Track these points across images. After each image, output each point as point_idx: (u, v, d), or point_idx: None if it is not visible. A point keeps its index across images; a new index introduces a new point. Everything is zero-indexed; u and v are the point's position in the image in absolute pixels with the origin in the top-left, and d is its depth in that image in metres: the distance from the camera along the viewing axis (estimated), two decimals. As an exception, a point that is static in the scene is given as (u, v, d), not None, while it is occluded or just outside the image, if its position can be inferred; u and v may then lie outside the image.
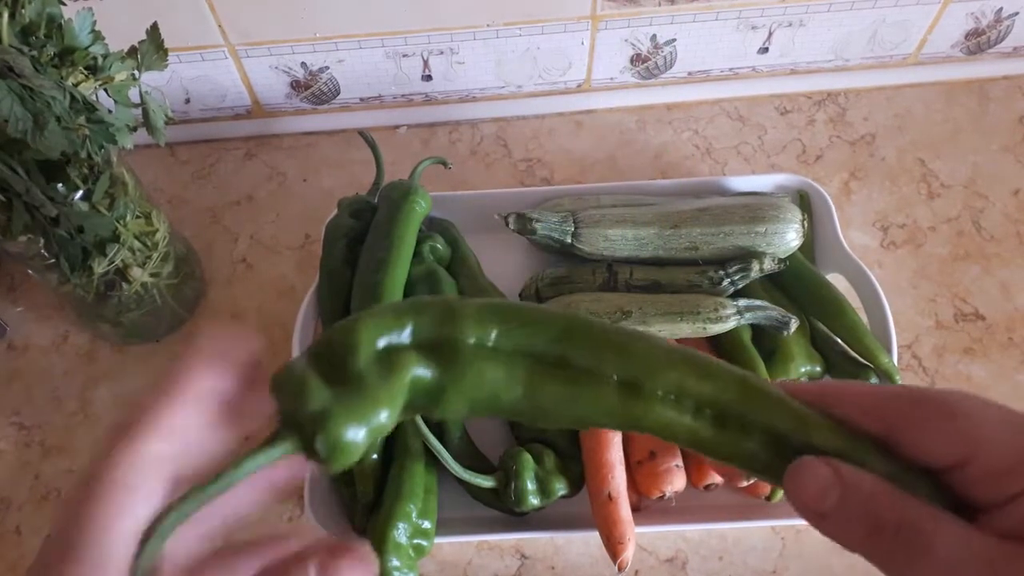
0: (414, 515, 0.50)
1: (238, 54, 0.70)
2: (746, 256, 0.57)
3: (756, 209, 0.58)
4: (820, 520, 0.22)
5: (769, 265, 0.57)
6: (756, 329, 0.58)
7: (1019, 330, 0.63)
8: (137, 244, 0.57)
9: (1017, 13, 0.72)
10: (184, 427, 0.24)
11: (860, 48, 0.75)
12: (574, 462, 0.53)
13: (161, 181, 0.75)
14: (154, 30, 0.50)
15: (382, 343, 0.22)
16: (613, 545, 0.49)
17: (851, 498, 0.21)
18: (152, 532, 0.21)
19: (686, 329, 0.55)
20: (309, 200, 0.73)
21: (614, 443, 0.52)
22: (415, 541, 0.49)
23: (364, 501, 0.51)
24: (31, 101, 0.43)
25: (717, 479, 0.53)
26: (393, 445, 0.53)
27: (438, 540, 0.51)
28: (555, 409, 0.24)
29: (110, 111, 0.49)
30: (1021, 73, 0.77)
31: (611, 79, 0.76)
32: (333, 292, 0.59)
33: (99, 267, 0.55)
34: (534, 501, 0.51)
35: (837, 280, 0.61)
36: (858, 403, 0.23)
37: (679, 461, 0.52)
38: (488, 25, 0.69)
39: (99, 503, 0.22)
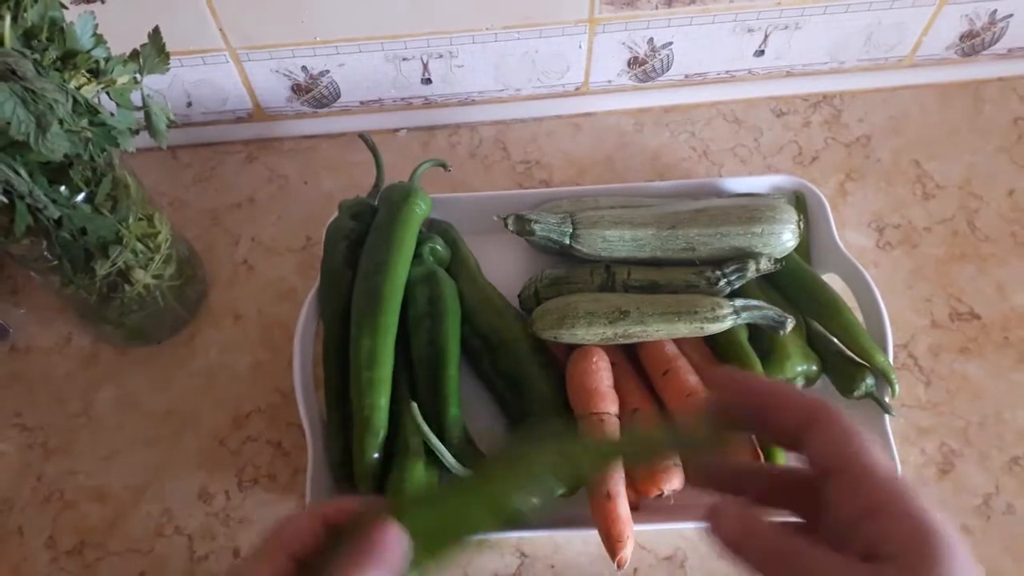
0: (414, 514, 0.50)
1: (239, 58, 0.71)
2: (743, 256, 0.58)
3: (752, 210, 0.58)
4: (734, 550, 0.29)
5: (765, 265, 0.57)
6: (753, 329, 0.58)
7: (1014, 329, 0.63)
8: (139, 246, 0.58)
9: (1011, 15, 0.73)
10: None
11: (855, 50, 0.75)
12: (573, 461, 0.54)
13: (163, 184, 0.75)
14: (156, 34, 0.51)
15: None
16: (612, 543, 0.50)
17: (754, 533, 0.28)
18: None
19: (683, 329, 0.55)
20: (310, 202, 0.74)
21: (612, 442, 0.53)
22: (415, 540, 0.50)
23: (365, 500, 0.52)
24: (34, 104, 0.43)
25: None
26: (393, 444, 0.53)
27: (438, 539, 0.51)
28: None
29: (112, 114, 0.50)
30: (1015, 75, 0.78)
31: (609, 82, 0.77)
32: (334, 294, 0.60)
33: (101, 269, 0.56)
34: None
35: (833, 280, 0.61)
36: (787, 401, 0.30)
37: (677, 459, 0.53)
38: (487, 29, 0.69)
39: None
